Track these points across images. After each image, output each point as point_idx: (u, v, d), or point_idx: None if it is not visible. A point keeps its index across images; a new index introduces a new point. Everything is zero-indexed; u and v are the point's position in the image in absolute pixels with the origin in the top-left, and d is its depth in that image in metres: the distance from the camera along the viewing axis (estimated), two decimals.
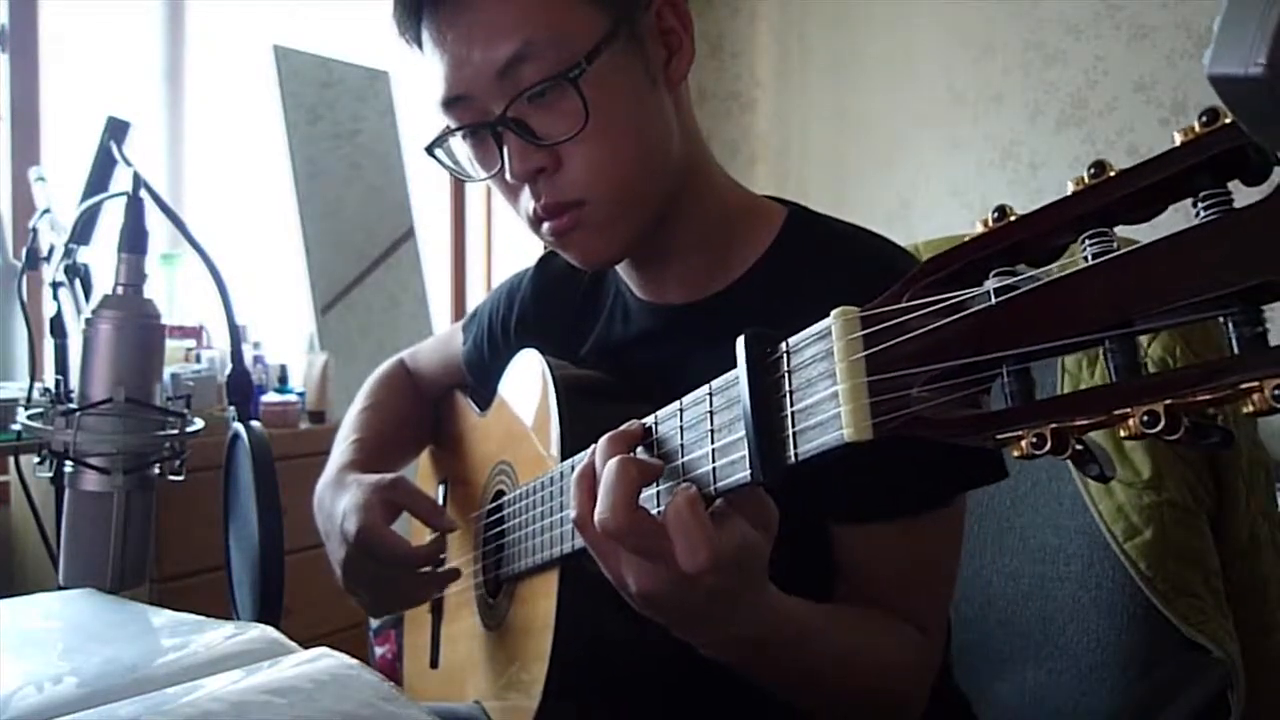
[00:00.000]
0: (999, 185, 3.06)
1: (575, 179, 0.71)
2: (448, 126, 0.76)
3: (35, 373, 1.01)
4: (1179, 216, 0.36)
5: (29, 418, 0.74)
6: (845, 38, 3.39)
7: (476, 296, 3.21)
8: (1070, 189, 0.37)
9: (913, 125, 3.23)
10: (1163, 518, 0.91)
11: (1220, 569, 0.93)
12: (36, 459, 0.74)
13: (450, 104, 0.73)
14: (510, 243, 3.28)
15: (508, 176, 0.72)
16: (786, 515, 0.61)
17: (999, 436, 0.39)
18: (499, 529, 0.87)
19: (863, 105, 3.35)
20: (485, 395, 1.01)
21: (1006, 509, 1.00)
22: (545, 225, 0.74)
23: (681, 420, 0.58)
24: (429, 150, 0.78)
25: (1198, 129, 0.33)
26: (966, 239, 0.41)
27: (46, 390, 0.84)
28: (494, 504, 0.91)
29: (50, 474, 0.72)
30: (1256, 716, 0.91)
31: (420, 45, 0.74)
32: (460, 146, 0.77)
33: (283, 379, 2.36)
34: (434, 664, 1.03)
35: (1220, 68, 0.26)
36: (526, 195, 0.73)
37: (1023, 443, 0.38)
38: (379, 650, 2.34)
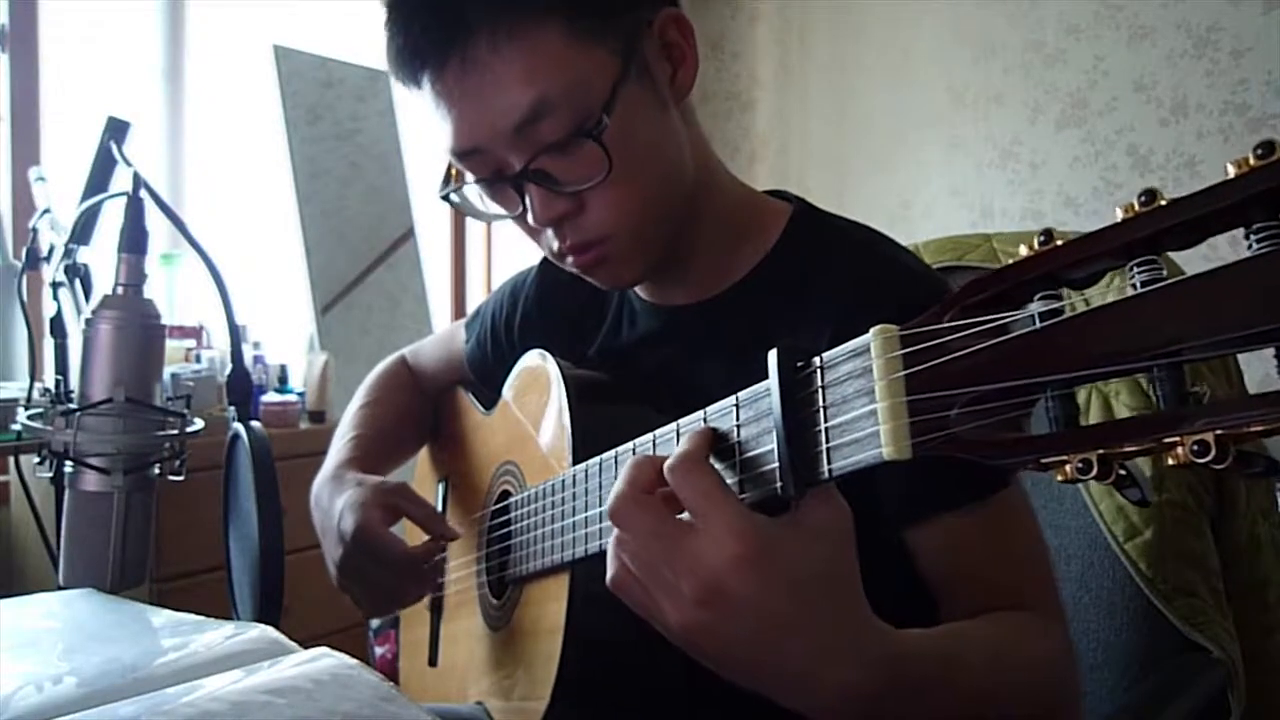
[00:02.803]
0: (999, 185, 3.06)
1: (599, 219, 0.72)
2: (453, 169, 0.76)
3: (35, 373, 1.01)
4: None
5: (29, 418, 0.74)
6: (845, 38, 3.38)
7: (476, 296, 3.21)
8: (1120, 215, 0.37)
9: (913, 125, 3.23)
10: (1163, 518, 0.91)
11: (1220, 569, 0.93)
12: (36, 459, 0.74)
13: (463, 155, 0.72)
14: (510, 243, 3.28)
15: (531, 222, 0.73)
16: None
17: (1044, 461, 0.39)
18: (504, 530, 0.87)
19: (863, 105, 3.35)
20: (488, 394, 1.01)
21: None
22: (570, 259, 0.75)
23: None
24: (444, 198, 0.77)
25: (1252, 161, 0.33)
26: (1012, 262, 0.41)
27: (46, 390, 0.84)
28: (499, 505, 0.91)
29: (50, 474, 0.72)
30: (1256, 717, 0.91)
31: (420, 89, 0.73)
32: (471, 188, 0.77)
33: (283, 379, 2.36)
34: (432, 662, 1.03)
35: None
36: (550, 235, 0.74)
37: (1067, 468, 0.38)
38: (379, 650, 2.34)
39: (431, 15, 0.69)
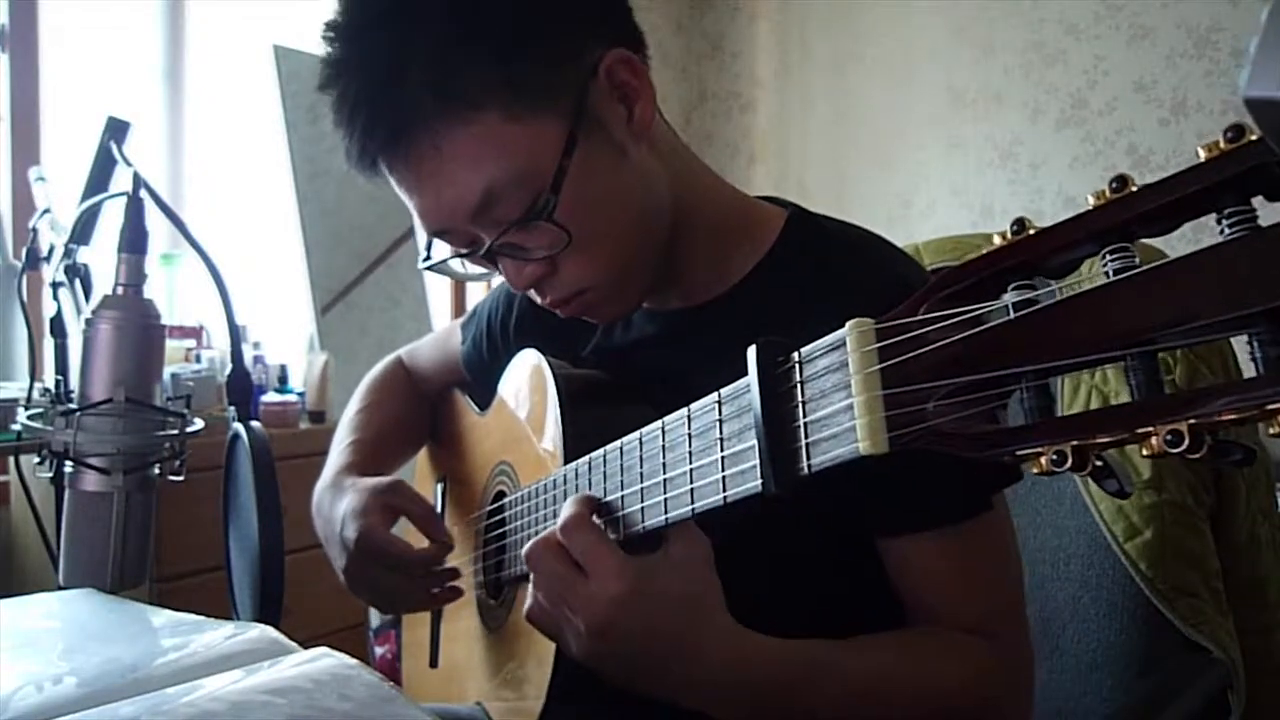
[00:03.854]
0: (999, 185, 3.06)
1: (573, 276, 0.72)
2: (430, 242, 0.77)
3: (35, 373, 1.01)
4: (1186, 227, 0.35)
5: (29, 418, 0.74)
6: (845, 38, 3.39)
7: (476, 296, 3.20)
8: (1091, 203, 0.37)
9: (913, 125, 3.23)
10: (1163, 518, 0.91)
11: (1220, 569, 0.93)
12: (36, 459, 0.74)
13: (436, 234, 0.74)
14: None
15: (509, 287, 0.75)
16: (833, 533, 0.62)
17: (1019, 453, 0.38)
18: (500, 530, 0.87)
19: (863, 105, 3.35)
20: (484, 394, 1.01)
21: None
22: (557, 311, 0.76)
23: (689, 427, 0.57)
24: (427, 269, 0.80)
25: (1222, 145, 0.33)
26: (984, 251, 0.40)
27: (46, 390, 0.84)
28: (495, 505, 0.91)
29: (50, 474, 0.72)
30: (1256, 717, 0.91)
31: (382, 178, 0.73)
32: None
33: (283, 379, 2.36)
34: (433, 663, 1.03)
35: (1257, 90, 0.26)
36: (532, 292, 0.75)
37: (1043, 459, 0.37)
38: (379, 650, 2.34)
39: (370, 117, 0.69)
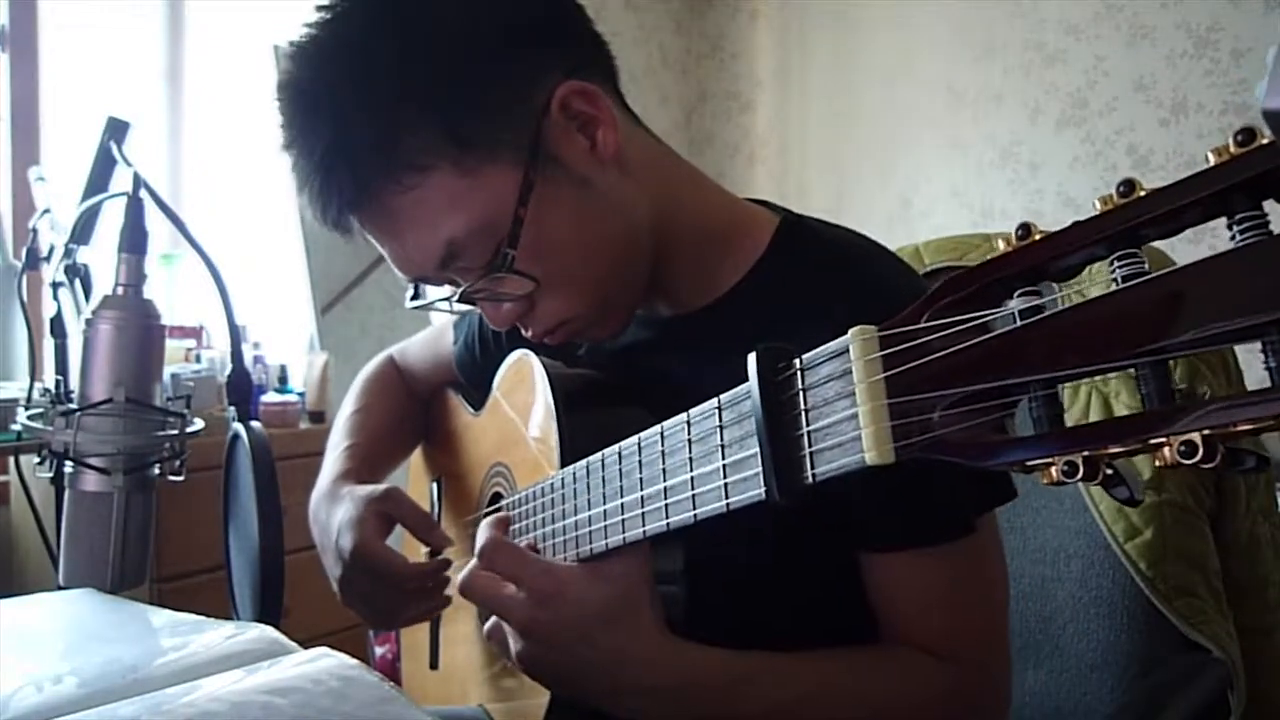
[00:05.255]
0: (999, 185, 3.06)
1: (551, 312, 0.73)
2: (416, 285, 0.78)
3: (35, 373, 1.01)
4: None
5: (29, 418, 0.74)
6: (845, 38, 3.38)
7: None
8: (1098, 208, 0.36)
9: (913, 125, 3.23)
10: (1163, 518, 0.91)
11: (1220, 569, 0.93)
12: (36, 459, 0.74)
13: (414, 281, 0.75)
14: None
15: (490, 325, 0.76)
16: (810, 543, 0.62)
17: (1029, 463, 0.38)
18: None
19: (863, 105, 3.35)
20: (477, 394, 1.00)
21: (1007, 509, 1.00)
22: (544, 340, 0.76)
23: (689, 433, 0.57)
24: (416, 309, 0.81)
25: (1233, 149, 0.32)
26: (989, 257, 0.40)
27: (46, 390, 0.84)
28: (491, 507, 0.91)
29: (50, 474, 0.72)
30: (1256, 717, 0.91)
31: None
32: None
33: (283, 379, 2.36)
34: (433, 665, 1.03)
35: (1276, 102, 0.26)
36: (517, 324, 0.75)
37: (1053, 470, 0.37)
38: (379, 650, 2.34)
39: (323, 185, 0.69)
